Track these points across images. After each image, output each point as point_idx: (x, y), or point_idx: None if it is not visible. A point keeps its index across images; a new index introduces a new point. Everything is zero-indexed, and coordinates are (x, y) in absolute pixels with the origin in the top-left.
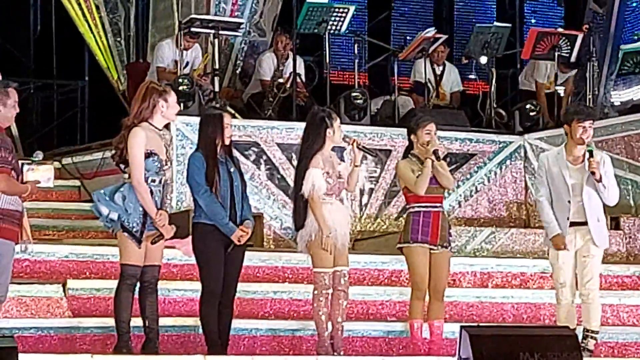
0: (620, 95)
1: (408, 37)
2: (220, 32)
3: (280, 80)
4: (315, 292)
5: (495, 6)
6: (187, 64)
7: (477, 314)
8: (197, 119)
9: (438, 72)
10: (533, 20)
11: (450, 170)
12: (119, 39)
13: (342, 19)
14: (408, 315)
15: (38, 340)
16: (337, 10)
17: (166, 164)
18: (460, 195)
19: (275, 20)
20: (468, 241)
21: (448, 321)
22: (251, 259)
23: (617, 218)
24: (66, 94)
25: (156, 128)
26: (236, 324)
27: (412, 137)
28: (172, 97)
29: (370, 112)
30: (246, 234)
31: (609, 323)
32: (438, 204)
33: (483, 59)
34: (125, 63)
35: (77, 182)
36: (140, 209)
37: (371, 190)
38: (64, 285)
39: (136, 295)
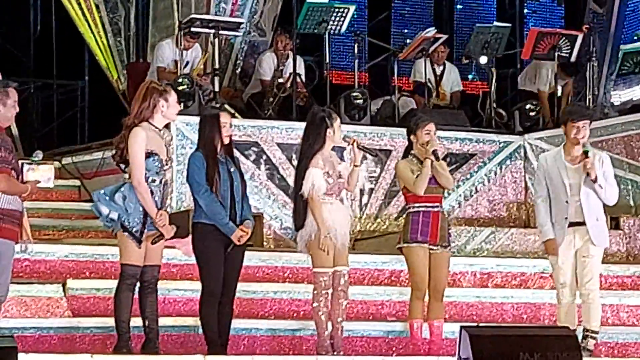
0: (620, 95)
1: (408, 41)
2: (221, 31)
3: (280, 80)
4: (315, 292)
5: (495, 6)
6: (187, 63)
7: (477, 314)
8: (197, 119)
9: (438, 72)
10: (533, 22)
11: (450, 170)
12: (119, 39)
13: (342, 18)
14: (408, 315)
15: (38, 340)
16: (337, 10)
17: (166, 164)
18: (460, 195)
19: (275, 20)
20: (468, 241)
21: (448, 321)
22: (251, 258)
23: (617, 218)
24: (66, 93)
25: (156, 128)
26: (236, 323)
27: (411, 137)
28: (173, 96)
29: (370, 112)
30: (246, 234)
31: (609, 323)
32: (437, 204)
33: (483, 59)
34: (125, 63)
35: (77, 182)
36: (141, 208)
37: (371, 190)
38: (63, 285)
39: (136, 295)
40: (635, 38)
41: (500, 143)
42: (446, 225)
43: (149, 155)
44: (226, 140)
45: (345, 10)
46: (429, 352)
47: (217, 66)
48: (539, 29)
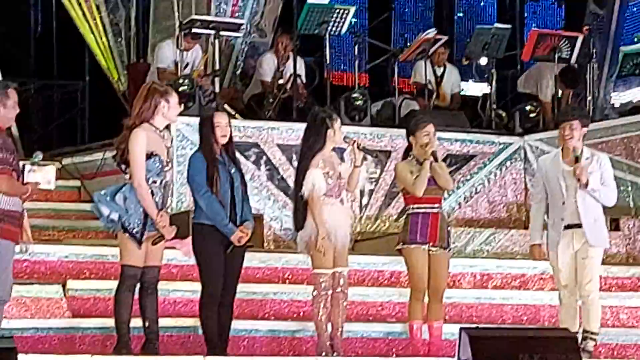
0: (620, 97)
1: (408, 42)
2: (221, 32)
3: (281, 81)
4: (315, 293)
5: (495, 7)
6: (188, 64)
7: (476, 315)
8: (197, 120)
9: (438, 74)
10: (533, 23)
11: (450, 172)
12: (119, 40)
13: (342, 20)
14: (407, 316)
15: (38, 341)
16: (337, 11)
17: (167, 165)
18: (460, 197)
19: (275, 21)
20: (468, 242)
21: (447, 322)
22: (251, 259)
23: (617, 219)
24: (66, 94)
25: (157, 129)
26: (236, 324)
27: (410, 138)
28: (174, 98)
29: (370, 113)
30: (246, 235)
31: (609, 324)
32: (437, 205)
33: (483, 60)
34: (125, 63)
35: (77, 183)
36: (141, 209)
37: (371, 191)
38: (63, 286)
39: (136, 296)
40: (636, 40)
41: (500, 144)
42: (446, 226)
43: (149, 156)
44: (222, 140)
45: (346, 11)
46: (428, 354)
47: (217, 67)
48: (539, 30)
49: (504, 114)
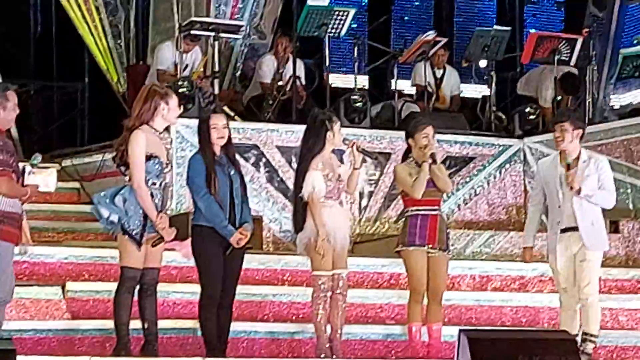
0: (619, 99)
1: (408, 44)
2: (220, 34)
3: (280, 83)
4: (314, 295)
5: (495, 9)
6: (187, 66)
7: (475, 318)
8: (196, 122)
9: (438, 76)
10: (533, 25)
11: (450, 174)
12: (119, 41)
13: (342, 22)
14: (407, 318)
15: (37, 343)
16: (337, 13)
17: (166, 167)
18: (460, 199)
19: (275, 23)
20: (467, 244)
21: (447, 324)
22: (250, 261)
23: (617, 222)
24: (66, 95)
25: (156, 131)
26: (235, 326)
27: (409, 140)
28: (174, 100)
29: (370, 115)
30: (245, 237)
31: (608, 327)
32: (436, 207)
33: (483, 63)
34: (125, 65)
35: (76, 184)
36: (141, 211)
37: (370, 193)
38: (63, 288)
39: (135, 298)
40: (635, 42)
41: (499, 146)
42: (445, 228)
43: (149, 158)
44: (219, 142)
45: (345, 13)
46: (427, 356)
47: (216, 69)
48: (539, 32)
49: (503, 116)
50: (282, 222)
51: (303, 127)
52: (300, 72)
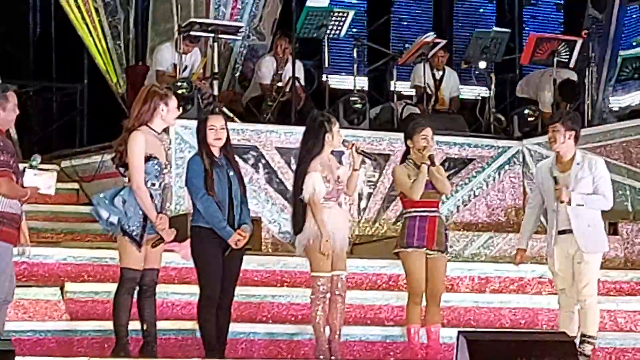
0: (618, 101)
1: (407, 45)
2: (220, 35)
3: (280, 84)
4: (313, 296)
5: (494, 11)
6: (186, 67)
7: (474, 319)
8: (195, 123)
9: (437, 77)
10: (532, 27)
11: (449, 175)
12: (118, 42)
13: (341, 23)
14: (405, 319)
15: (36, 343)
16: (336, 14)
17: (166, 168)
18: (459, 200)
19: (274, 24)
20: (466, 246)
21: (446, 326)
22: (249, 262)
23: (615, 223)
24: (65, 96)
25: (155, 132)
26: (234, 327)
27: (408, 142)
28: (173, 101)
29: (369, 116)
30: (243, 238)
31: (607, 328)
32: (434, 209)
33: (482, 64)
34: (124, 66)
35: (75, 185)
36: (140, 212)
37: (370, 194)
38: (61, 288)
39: (134, 299)
40: (634, 44)
41: (498, 148)
42: (443, 230)
43: (148, 159)
44: (217, 144)
45: (345, 14)
46: (426, 357)
47: (216, 70)
48: (538, 34)
49: (502, 118)
50: (281, 223)
51: (302, 129)
52: (300, 73)
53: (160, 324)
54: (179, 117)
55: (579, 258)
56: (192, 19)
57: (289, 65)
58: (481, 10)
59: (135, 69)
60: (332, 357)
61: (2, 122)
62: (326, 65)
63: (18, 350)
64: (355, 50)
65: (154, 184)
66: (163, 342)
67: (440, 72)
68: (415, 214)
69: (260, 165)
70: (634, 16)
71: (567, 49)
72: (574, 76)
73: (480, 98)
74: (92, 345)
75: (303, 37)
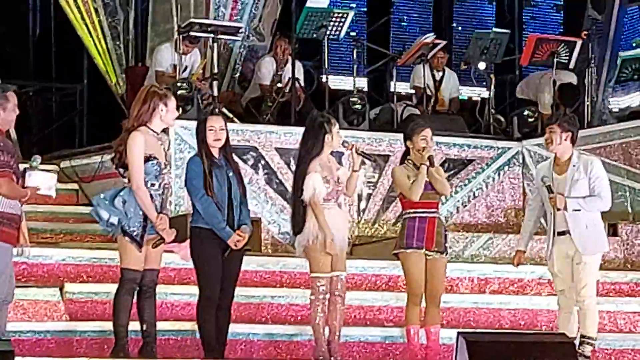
0: (618, 102)
1: (407, 46)
2: (219, 36)
3: (279, 85)
4: (313, 297)
5: (494, 12)
6: (186, 68)
7: (474, 320)
8: (195, 123)
9: (437, 78)
10: (532, 28)
11: (448, 176)
12: (117, 43)
13: (341, 24)
14: (405, 320)
15: (35, 344)
16: (336, 15)
17: (165, 168)
18: (458, 201)
19: (274, 25)
20: (466, 247)
21: (445, 327)
22: (249, 263)
23: (615, 225)
24: (65, 97)
25: (154, 132)
26: (233, 328)
27: (408, 143)
28: (172, 102)
29: (368, 117)
30: (243, 238)
31: (606, 330)
32: (434, 210)
33: (482, 65)
34: (124, 67)
35: (75, 186)
36: (141, 212)
37: (369, 195)
38: (61, 289)
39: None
40: (634, 45)
41: (498, 149)
42: (442, 231)
43: (147, 159)
44: (216, 144)
45: (344, 15)
46: (426, 358)
47: (215, 71)
48: (538, 35)
49: (502, 119)
50: (281, 224)
51: (302, 129)
52: (299, 74)
53: (160, 325)
54: (179, 118)
55: (578, 259)
56: (192, 20)
57: (289, 66)
58: (480, 10)
59: (134, 70)
60: (332, 358)
61: (2, 123)
62: (326, 66)
63: (17, 351)
64: (354, 51)
65: (153, 184)
66: (162, 343)
67: (440, 73)
68: (414, 214)
69: (259, 166)
70: (634, 17)
71: (566, 50)
72: (573, 78)
73: (480, 99)
74: (92, 346)
75: (303, 37)
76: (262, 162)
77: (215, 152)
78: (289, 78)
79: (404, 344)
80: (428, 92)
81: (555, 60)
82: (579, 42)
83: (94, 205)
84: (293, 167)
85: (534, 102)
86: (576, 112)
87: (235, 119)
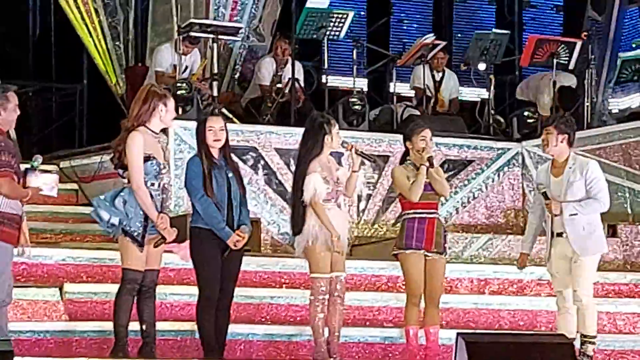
0: (618, 103)
1: (407, 47)
2: (219, 36)
3: (279, 85)
4: (312, 297)
5: (494, 13)
6: (186, 68)
7: (473, 321)
8: (194, 124)
9: (437, 79)
10: (532, 29)
11: (448, 177)
12: (117, 43)
13: (341, 24)
14: (404, 321)
15: (34, 344)
16: (336, 15)
17: (164, 168)
18: (458, 202)
19: (274, 25)
20: (465, 248)
21: (444, 328)
22: (248, 263)
23: (614, 225)
24: (65, 97)
25: (154, 132)
26: (233, 328)
27: (407, 143)
28: (171, 102)
29: (368, 118)
30: (242, 239)
31: (606, 331)
32: (433, 211)
33: (482, 66)
34: (123, 67)
35: (75, 186)
36: (141, 212)
37: (369, 196)
38: (60, 289)
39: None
40: (634, 46)
41: (498, 150)
42: (442, 231)
43: (147, 159)
44: (215, 145)
45: (344, 16)
46: (425, 359)
47: (215, 71)
48: (538, 36)
49: (502, 120)
50: (280, 224)
51: (301, 130)
52: (299, 74)
53: (159, 325)
54: (179, 118)
55: (576, 260)
56: (192, 20)
57: (289, 66)
58: (480, 11)
59: (134, 70)
60: (331, 359)
61: (3, 123)
62: (326, 66)
63: (17, 351)
64: (354, 51)
65: (153, 184)
66: (162, 343)
67: (440, 74)
68: (414, 215)
69: (259, 166)
70: (634, 18)
71: (566, 51)
72: (573, 81)
73: (479, 100)
74: (91, 346)
75: (302, 38)
76: (262, 162)
77: (215, 153)
78: (289, 78)
79: (403, 344)
80: (428, 92)
81: (555, 61)
82: (579, 43)
83: (94, 207)
84: (293, 168)
85: (533, 103)
86: (576, 113)
87: (235, 120)
